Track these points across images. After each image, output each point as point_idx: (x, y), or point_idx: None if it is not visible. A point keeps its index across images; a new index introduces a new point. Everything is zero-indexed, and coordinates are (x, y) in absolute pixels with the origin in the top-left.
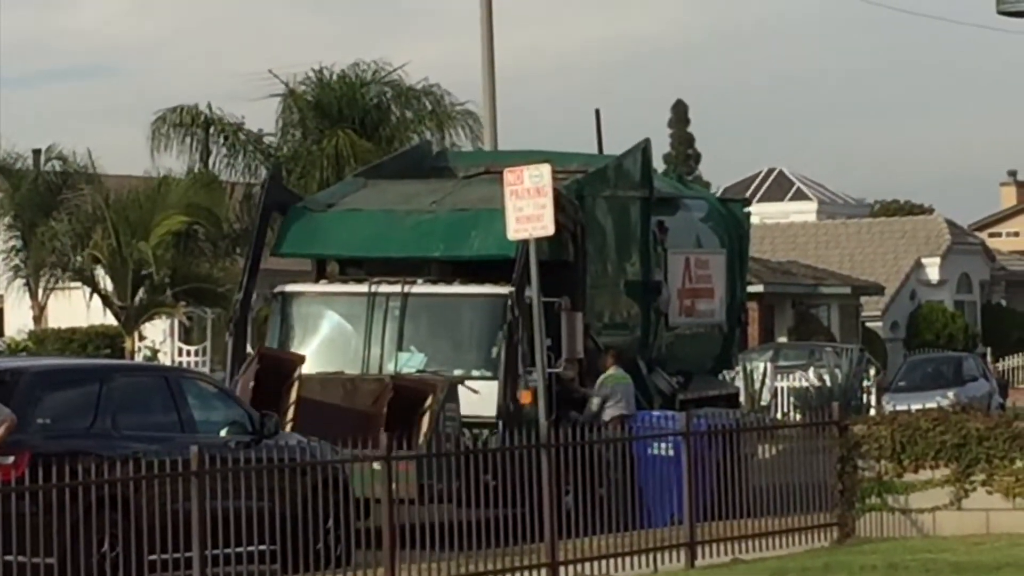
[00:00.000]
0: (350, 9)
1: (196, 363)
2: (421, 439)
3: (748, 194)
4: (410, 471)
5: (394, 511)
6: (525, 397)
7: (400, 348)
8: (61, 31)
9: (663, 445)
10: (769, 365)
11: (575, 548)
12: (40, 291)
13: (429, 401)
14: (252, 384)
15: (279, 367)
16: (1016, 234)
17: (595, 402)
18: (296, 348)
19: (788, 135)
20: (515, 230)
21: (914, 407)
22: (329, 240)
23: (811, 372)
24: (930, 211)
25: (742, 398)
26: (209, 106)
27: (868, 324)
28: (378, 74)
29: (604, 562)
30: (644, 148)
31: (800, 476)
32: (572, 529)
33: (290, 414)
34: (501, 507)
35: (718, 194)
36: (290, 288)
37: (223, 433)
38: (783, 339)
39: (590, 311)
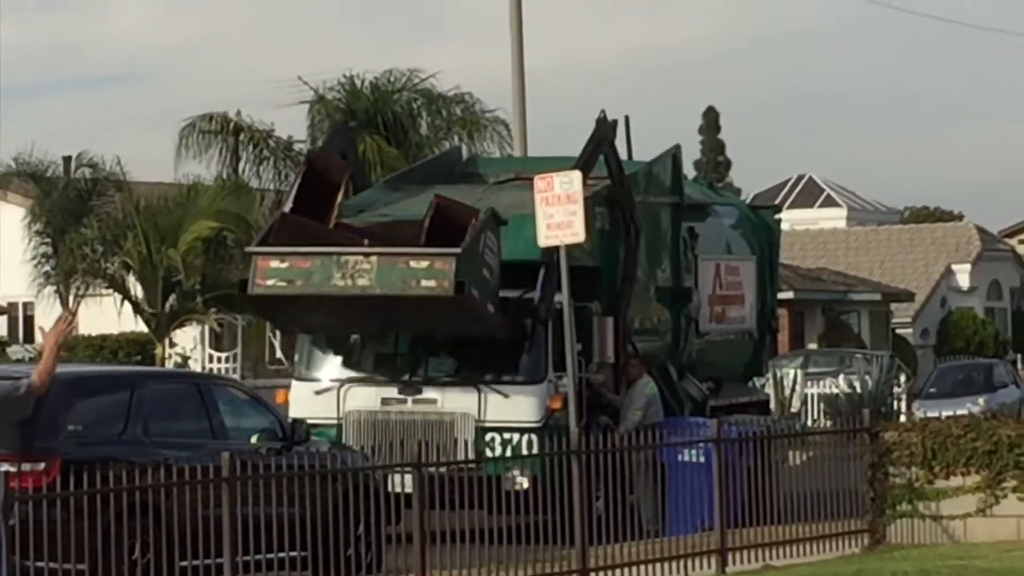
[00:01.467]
0: (380, 16)
1: (227, 370)
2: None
3: (778, 201)
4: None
5: (425, 516)
6: (555, 402)
7: (431, 353)
8: (92, 38)
9: (694, 452)
10: (799, 372)
11: (606, 554)
12: (71, 298)
13: (473, 222)
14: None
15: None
16: None
17: (639, 414)
18: (327, 354)
19: (818, 142)
20: (546, 237)
21: (944, 414)
22: None
23: (841, 379)
24: (960, 217)
25: (772, 405)
26: (239, 113)
27: (898, 331)
28: (410, 82)
29: (635, 568)
30: (674, 154)
31: (831, 483)
32: (603, 535)
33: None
34: (532, 513)
35: (748, 201)
36: None
37: (254, 440)
38: (813, 346)
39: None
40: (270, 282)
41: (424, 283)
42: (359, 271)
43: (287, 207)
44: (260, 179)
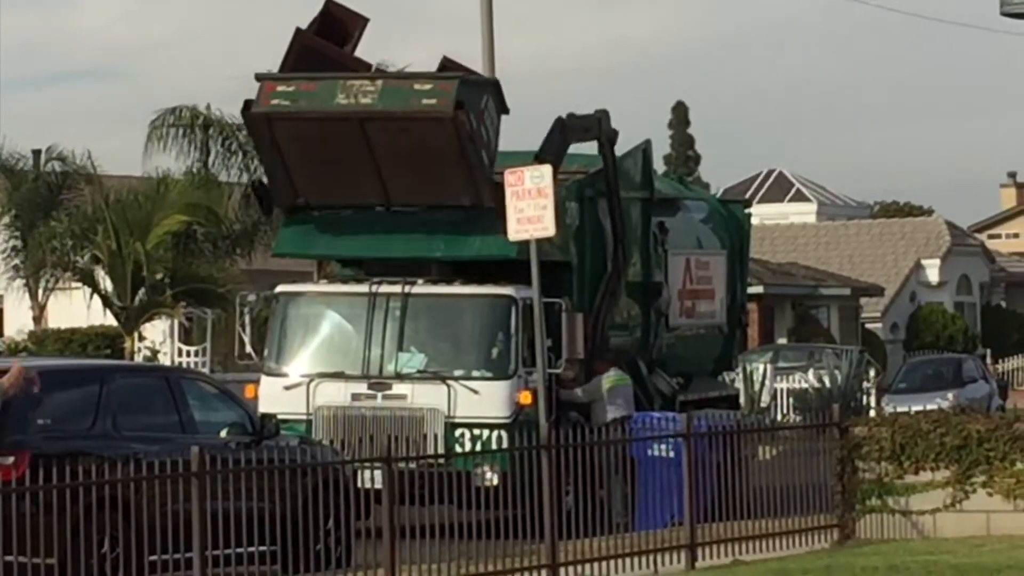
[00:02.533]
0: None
1: (196, 364)
2: None
3: (748, 195)
4: None
5: (394, 511)
6: (525, 398)
7: (401, 348)
8: (61, 32)
9: (663, 446)
10: (769, 366)
11: (575, 549)
12: (40, 291)
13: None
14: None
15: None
16: (1016, 236)
17: (579, 393)
18: (296, 349)
19: (788, 136)
20: (516, 231)
21: (914, 409)
22: (329, 241)
23: (811, 374)
24: (930, 213)
25: (742, 400)
26: (208, 107)
27: (868, 326)
28: None
29: (604, 563)
30: (645, 149)
31: (800, 477)
32: (572, 530)
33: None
34: (501, 508)
35: (718, 195)
36: (290, 288)
37: (223, 434)
38: (783, 340)
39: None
40: (274, 102)
41: (425, 101)
42: (363, 91)
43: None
44: (229, 173)
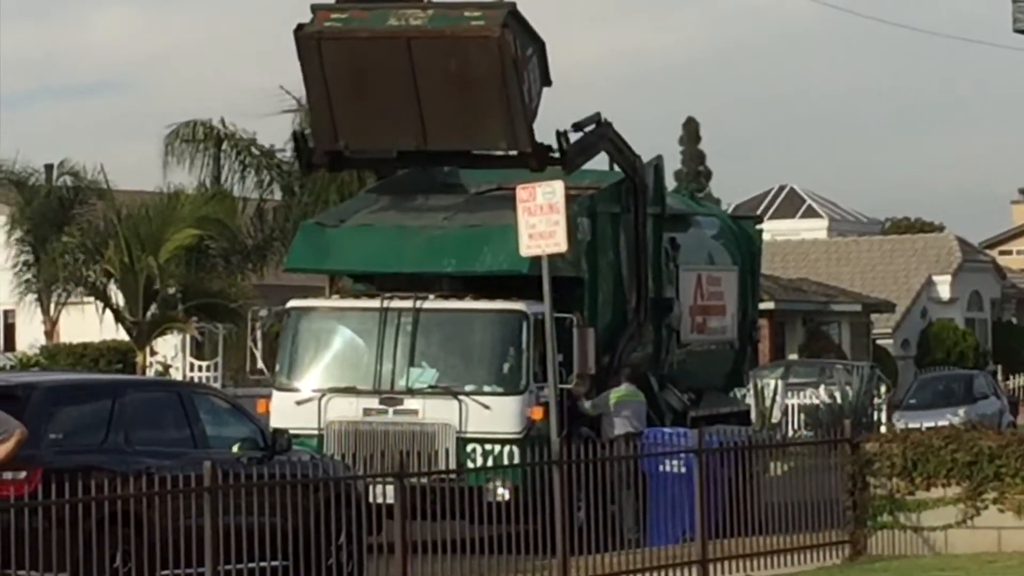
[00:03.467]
0: None
1: (208, 378)
2: None
3: (759, 211)
4: None
5: (406, 526)
6: (536, 413)
7: (412, 363)
8: (73, 47)
9: (675, 462)
10: (780, 382)
11: (587, 565)
12: (52, 306)
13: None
14: None
15: None
16: None
17: (587, 406)
18: (308, 364)
19: (799, 152)
20: (527, 246)
21: (925, 425)
22: (341, 255)
23: (822, 389)
24: (941, 229)
25: (753, 415)
26: (222, 121)
27: (879, 342)
28: None
29: None
30: (656, 165)
31: (812, 494)
32: (584, 545)
33: None
34: (513, 523)
35: (729, 211)
36: (302, 303)
37: (235, 449)
38: (794, 356)
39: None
40: (326, 25)
41: (473, 23)
42: (414, 16)
43: None
44: (243, 187)
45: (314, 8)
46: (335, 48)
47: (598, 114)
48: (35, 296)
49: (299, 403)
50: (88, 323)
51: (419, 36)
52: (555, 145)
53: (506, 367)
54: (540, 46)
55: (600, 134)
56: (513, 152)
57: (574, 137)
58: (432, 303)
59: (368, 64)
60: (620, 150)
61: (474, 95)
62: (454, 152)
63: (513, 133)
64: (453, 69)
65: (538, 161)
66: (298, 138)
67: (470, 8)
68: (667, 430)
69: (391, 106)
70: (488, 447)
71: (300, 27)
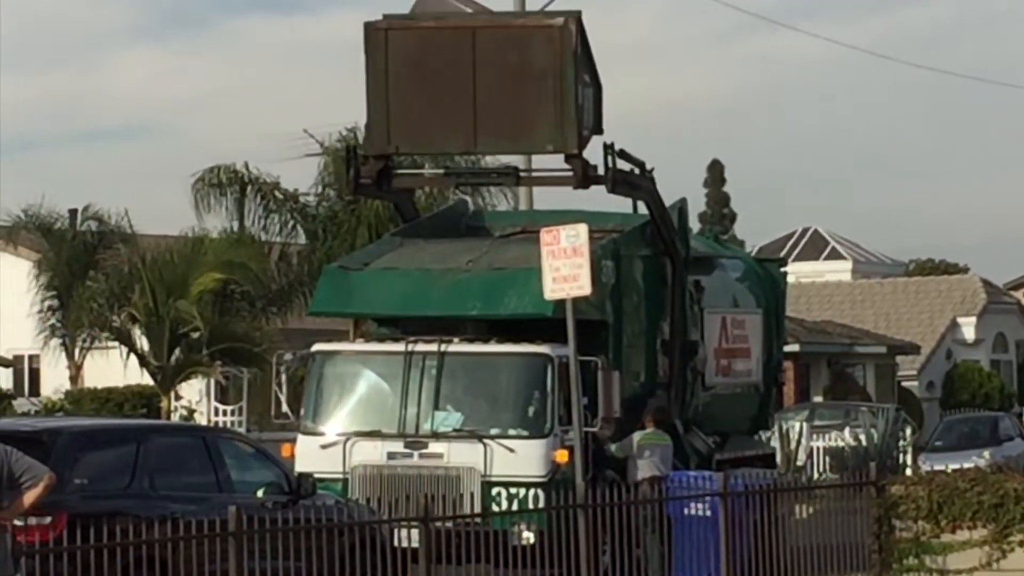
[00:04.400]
0: None
1: (232, 423)
2: None
3: (783, 253)
4: None
5: (431, 570)
6: (561, 456)
7: (437, 407)
8: (97, 92)
9: (700, 505)
10: (805, 425)
11: None
12: (77, 351)
13: None
14: None
15: None
16: None
17: (612, 449)
18: (332, 408)
19: (823, 194)
20: (552, 290)
21: (951, 467)
22: (365, 299)
23: (847, 432)
24: (965, 270)
25: (778, 458)
26: (246, 165)
27: (904, 383)
28: None
29: None
30: (681, 208)
31: (837, 536)
32: None
33: None
34: (539, 567)
35: (753, 253)
36: (326, 347)
37: (260, 493)
38: (819, 399)
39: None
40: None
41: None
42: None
43: None
44: (267, 232)
45: (385, 16)
46: (401, 38)
47: (644, 162)
48: (60, 341)
49: (324, 447)
50: (113, 368)
51: (485, 26)
52: (601, 162)
53: (531, 410)
54: (597, 86)
55: (646, 184)
56: (560, 152)
57: (620, 164)
58: (457, 347)
59: (431, 54)
60: (661, 210)
61: (529, 92)
62: (501, 170)
63: (562, 134)
64: (513, 61)
65: (583, 171)
66: (350, 152)
67: (539, 15)
68: (692, 473)
69: (446, 102)
70: (513, 491)
71: (369, 23)
